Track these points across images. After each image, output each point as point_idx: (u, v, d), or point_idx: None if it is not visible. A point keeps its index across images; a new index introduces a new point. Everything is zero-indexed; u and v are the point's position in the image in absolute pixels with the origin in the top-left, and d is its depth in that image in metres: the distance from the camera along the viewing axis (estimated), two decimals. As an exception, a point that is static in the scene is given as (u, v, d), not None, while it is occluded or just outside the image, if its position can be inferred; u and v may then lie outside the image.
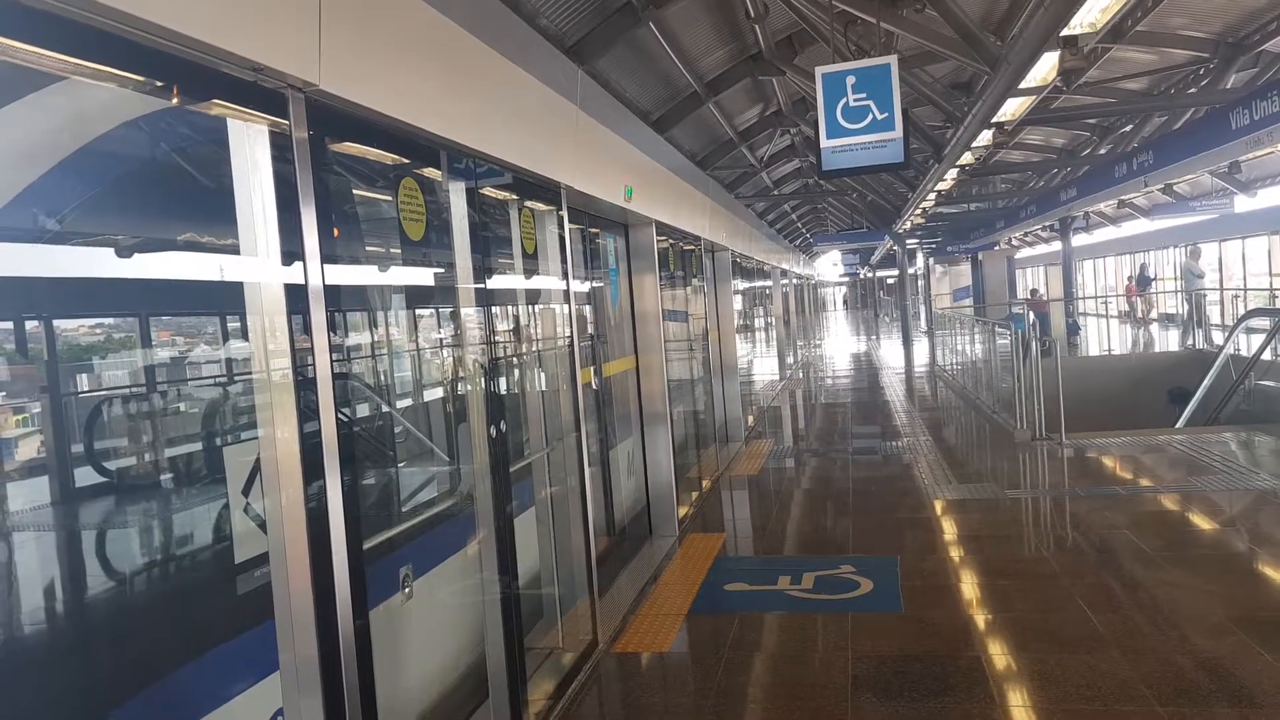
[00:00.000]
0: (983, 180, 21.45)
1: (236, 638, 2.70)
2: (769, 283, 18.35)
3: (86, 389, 2.61)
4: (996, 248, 27.43)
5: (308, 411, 2.55)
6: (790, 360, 20.78)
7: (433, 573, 3.85)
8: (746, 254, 13.65)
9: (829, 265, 51.96)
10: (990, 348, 12.57)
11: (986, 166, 16.31)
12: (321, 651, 2.55)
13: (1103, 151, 16.44)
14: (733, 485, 9.07)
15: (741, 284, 13.70)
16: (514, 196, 4.42)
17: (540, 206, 4.75)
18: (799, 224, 30.66)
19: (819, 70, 6.79)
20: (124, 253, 2.53)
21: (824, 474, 9.30)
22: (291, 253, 2.55)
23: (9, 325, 2.31)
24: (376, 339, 4.01)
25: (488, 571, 3.83)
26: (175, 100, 2.37)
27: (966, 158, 10.75)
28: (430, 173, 3.65)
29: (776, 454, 10.62)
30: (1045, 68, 6.84)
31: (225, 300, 2.72)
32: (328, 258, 2.66)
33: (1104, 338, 25.43)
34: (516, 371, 4.58)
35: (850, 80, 6.81)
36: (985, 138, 9.40)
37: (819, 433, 12.06)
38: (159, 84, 2.28)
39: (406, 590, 3.61)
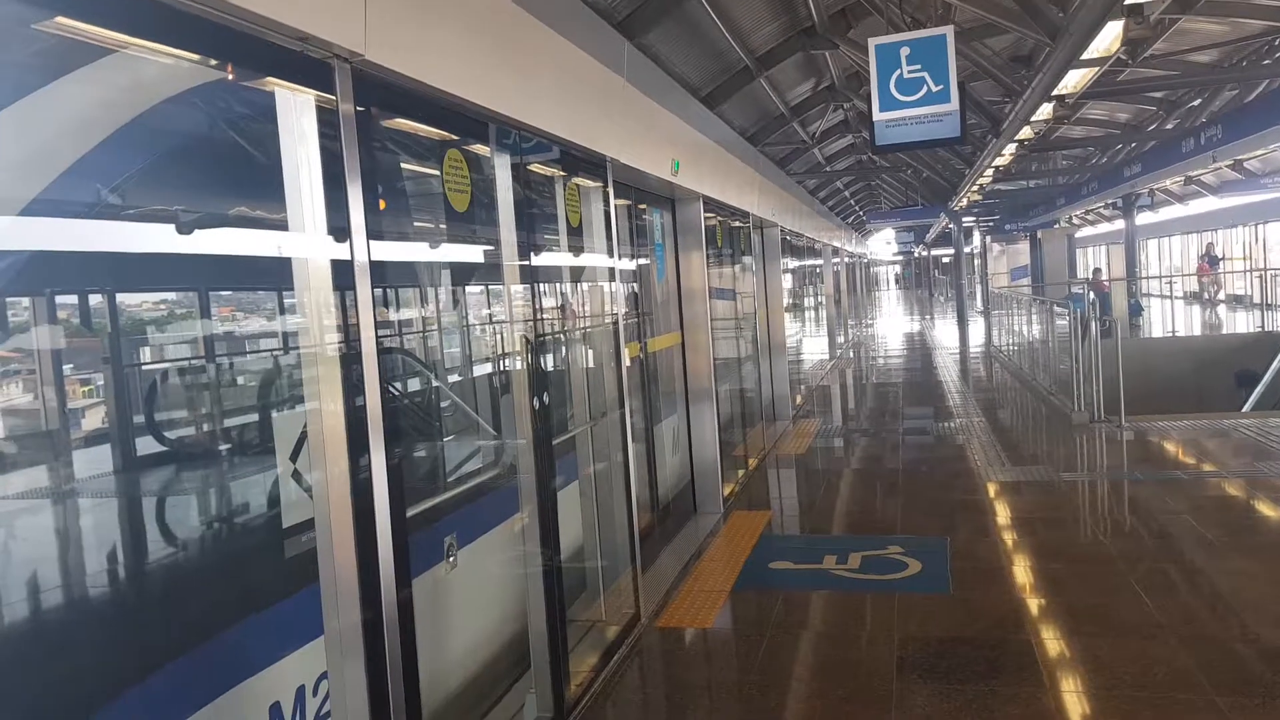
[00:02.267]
0: (1043, 156, 20.88)
1: (283, 601, 2.74)
2: (819, 260, 18.14)
3: (146, 361, 2.67)
4: (1056, 226, 26.77)
5: (354, 385, 2.57)
6: (841, 339, 20.55)
7: (477, 543, 3.87)
8: (796, 231, 13.49)
9: (882, 243, 51.16)
10: (1048, 328, 12.28)
11: (1047, 142, 15.88)
12: (365, 618, 2.58)
13: (1169, 126, 15.90)
14: (779, 464, 9.00)
15: (791, 261, 13.55)
16: (559, 170, 4.40)
17: (586, 180, 4.72)
18: (852, 201, 30.23)
19: (871, 41, 6.65)
20: (184, 229, 2.56)
21: (873, 454, 9.19)
22: (338, 228, 2.55)
23: (74, 299, 2.36)
24: (422, 313, 4.03)
25: (530, 543, 3.85)
26: (221, 71, 2.38)
27: (1026, 132, 10.46)
28: (475, 145, 3.64)
29: (824, 433, 10.52)
30: (1109, 38, 6.60)
31: (275, 275, 2.74)
32: (374, 233, 2.66)
33: (1168, 319, 24.71)
34: (560, 346, 4.57)
35: (904, 51, 6.65)
36: (1045, 111, 9.13)
37: (869, 413, 11.91)
38: (204, 54, 2.29)
39: (451, 560, 3.64)
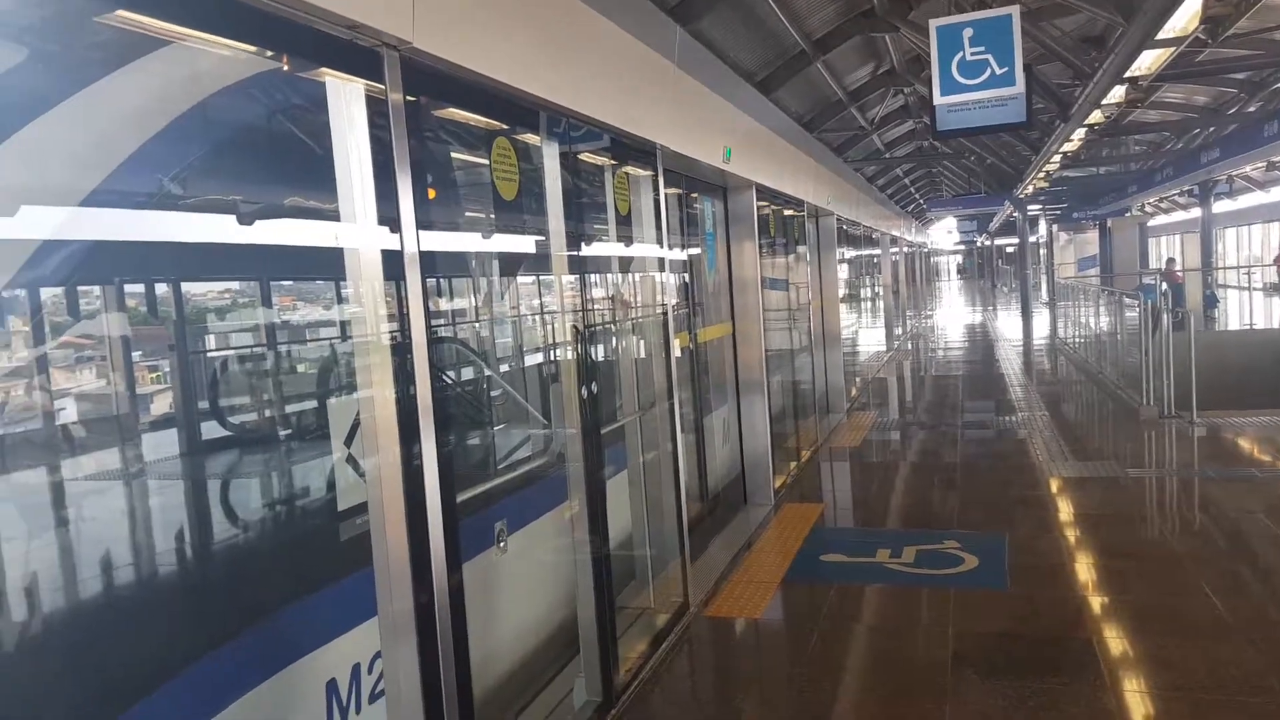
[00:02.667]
0: (1114, 141, 20.24)
1: (339, 581, 2.79)
2: (877, 250, 17.86)
3: (209, 349, 2.73)
4: (1128, 214, 25.95)
5: (405, 373, 2.60)
6: (899, 331, 20.23)
7: (526, 529, 3.89)
8: (853, 219, 13.28)
9: (943, 232, 50.19)
10: (1117, 320, 11.91)
11: (1118, 126, 15.37)
12: (417, 601, 2.62)
13: (1251, 109, 15.26)
14: (832, 456, 8.89)
15: (847, 251, 13.35)
16: (609, 158, 4.37)
17: (635, 169, 4.69)
18: (912, 189, 29.69)
19: (933, 23, 6.49)
20: (245, 220, 2.60)
21: (930, 448, 9.02)
22: (389, 218, 2.57)
23: (139, 288, 2.42)
24: (472, 302, 4.05)
25: (580, 530, 3.85)
26: (273, 61, 2.40)
27: (1096, 116, 10.15)
28: (524, 133, 3.63)
29: (880, 426, 10.36)
30: (1185, 17, 6.36)
31: (329, 265, 2.78)
32: (423, 223, 2.68)
33: (1245, 311, 23.81)
34: (610, 335, 4.56)
35: (967, 33, 6.49)
36: (1117, 94, 8.84)
37: (926, 406, 11.70)
38: (257, 44, 2.31)
39: (501, 545, 3.66)
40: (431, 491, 2.66)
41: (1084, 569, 5.25)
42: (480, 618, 3.40)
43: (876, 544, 5.86)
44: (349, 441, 2.80)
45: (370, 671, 2.86)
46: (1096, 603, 4.74)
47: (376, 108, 2.55)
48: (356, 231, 2.55)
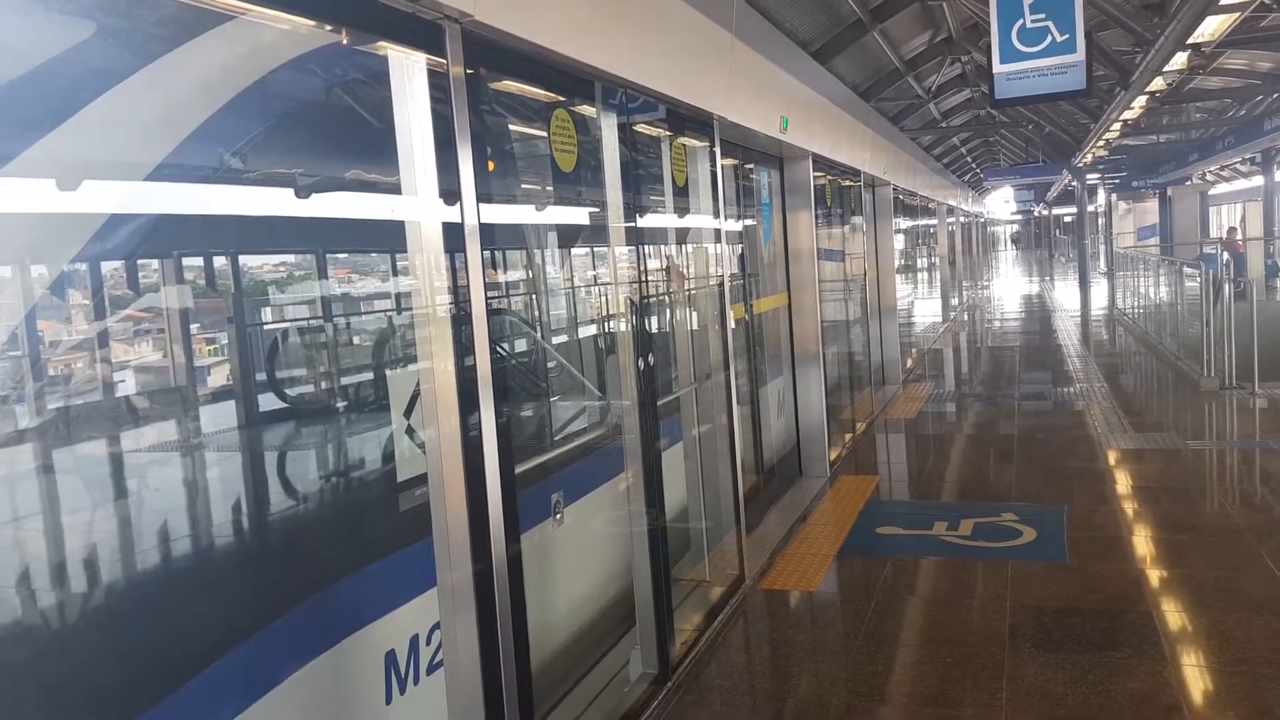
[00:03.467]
0: (1175, 109, 19.60)
1: (398, 552, 2.83)
2: (933, 220, 17.57)
3: (268, 321, 2.78)
4: (1188, 183, 25.17)
5: (464, 345, 2.62)
6: (955, 301, 19.93)
7: (583, 501, 3.94)
8: (910, 189, 13.08)
9: (1000, 202, 49.07)
10: (1177, 290, 11.62)
11: (1179, 94, 14.90)
12: (476, 571, 2.64)
13: (1318, 73, 14.67)
14: (888, 428, 8.84)
15: (903, 221, 13.17)
16: (665, 129, 4.37)
17: (692, 139, 4.68)
18: (969, 158, 29.07)
19: (992, -12, 6.34)
20: (302, 193, 2.66)
21: (987, 420, 8.92)
22: (449, 190, 2.58)
23: (199, 261, 2.48)
24: (529, 274, 4.09)
25: (635, 502, 3.89)
26: (334, 34, 2.44)
27: (1157, 84, 9.84)
28: (581, 105, 3.65)
29: (936, 398, 10.26)
30: (1254, -23, 6.13)
31: (389, 238, 2.80)
32: (483, 195, 2.69)
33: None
34: (665, 306, 4.58)
35: (1027, 0, 6.33)
36: (1179, 61, 8.56)
37: (983, 377, 11.55)
38: (319, 18, 2.35)
39: (558, 516, 3.72)
40: (490, 462, 2.68)
41: (1144, 542, 5.18)
42: (537, 589, 3.44)
43: (933, 516, 5.84)
44: (408, 413, 2.84)
45: (428, 643, 2.89)
46: (1156, 576, 4.69)
47: (437, 80, 2.56)
48: (417, 204, 2.56)
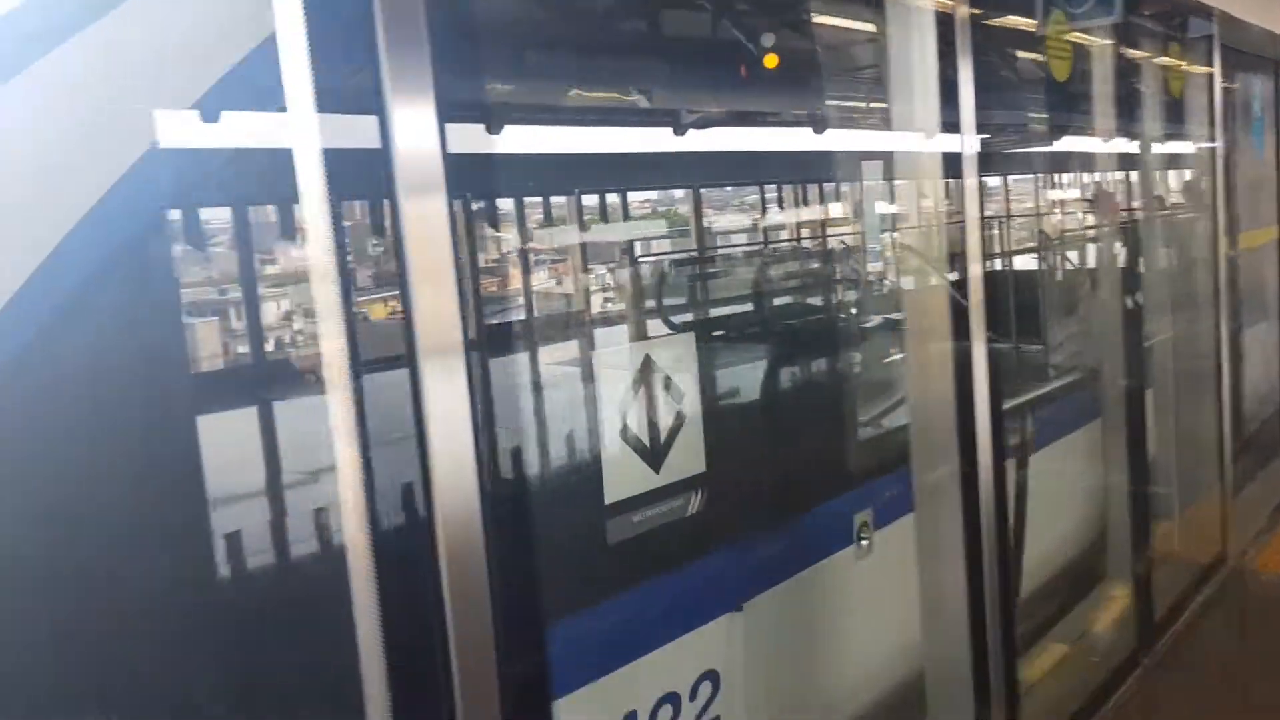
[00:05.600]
0: None
1: (877, 479, 2.77)
2: None
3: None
4: None
5: (955, 270, 2.63)
6: None
7: (1056, 445, 3.63)
8: None
9: None
10: None
11: None
12: (964, 500, 2.59)
13: None
14: None
15: None
16: (1158, 28, 3.84)
17: (1185, 44, 4.07)
18: None
19: None
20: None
21: None
22: (950, 123, 2.56)
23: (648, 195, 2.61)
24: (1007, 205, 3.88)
25: (1114, 455, 3.57)
26: None
27: None
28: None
29: None
30: None
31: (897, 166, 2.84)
32: (981, 126, 2.63)
33: None
34: (1150, 239, 4.06)
35: None
36: None
37: None
38: None
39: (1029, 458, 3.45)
40: (980, 391, 2.60)
41: None
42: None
43: None
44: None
45: None
46: None
47: (944, 21, 2.55)
48: (924, 138, 2.60)
